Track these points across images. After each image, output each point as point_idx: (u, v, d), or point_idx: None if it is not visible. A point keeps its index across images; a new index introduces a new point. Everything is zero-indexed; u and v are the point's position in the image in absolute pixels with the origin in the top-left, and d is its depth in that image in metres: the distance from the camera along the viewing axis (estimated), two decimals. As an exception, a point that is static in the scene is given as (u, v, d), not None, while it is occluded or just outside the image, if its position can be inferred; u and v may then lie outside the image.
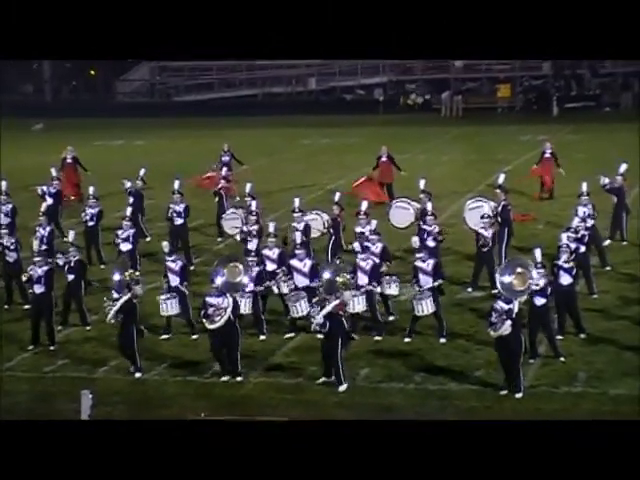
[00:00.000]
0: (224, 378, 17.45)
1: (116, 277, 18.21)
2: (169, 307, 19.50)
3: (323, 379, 17.10)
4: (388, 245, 20.68)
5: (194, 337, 19.47)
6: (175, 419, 15.46)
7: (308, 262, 19.71)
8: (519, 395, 16.29)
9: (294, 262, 19.73)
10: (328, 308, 16.77)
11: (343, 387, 16.88)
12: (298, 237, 20.67)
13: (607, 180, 24.93)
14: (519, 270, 16.76)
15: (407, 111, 57.42)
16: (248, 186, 25.69)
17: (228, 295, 17.44)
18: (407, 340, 19.01)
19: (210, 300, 17.44)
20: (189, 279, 20.30)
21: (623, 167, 25.56)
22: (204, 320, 17.50)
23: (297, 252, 19.80)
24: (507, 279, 16.66)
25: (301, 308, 19.04)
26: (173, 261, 19.90)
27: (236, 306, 17.53)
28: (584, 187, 23.39)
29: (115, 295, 17.90)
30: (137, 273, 18.92)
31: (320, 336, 17.19)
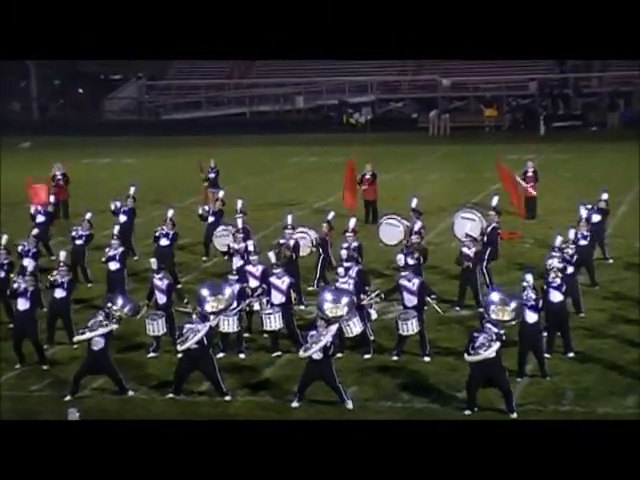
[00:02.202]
0: (170, 395, 17.46)
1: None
2: (155, 327, 19.41)
3: (296, 404, 16.98)
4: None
5: (180, 356, 19.38)
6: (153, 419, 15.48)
7: (286, 280, 19.68)
8: (514, 415, 16.20)
9: (273, 279, 19.69)
10: (328, 337, 16.70)
11: (350, 405, 16.82)
12: (272, 256, 20.54)
13: (589, 205, 24.93)
14: (504, 306, 16.84)
15: (350, 130, 57.01)
16: (239, 203, 25.60)
17: (206, 323, 17.43)
18: (395, 358, 19.00)
19: (188, 325, 17.47)
20: (183, 296, 20.44)
21: (604, 196, 25.56)
22: (177, 341, 17.53)
23: (275, 270, 19.76)
24: (493, 309, 16.77)
25: (275, 322, 19.14)
26: (160, 279, 19.86)
27: (210, 333, 17.45)
28: (585, 213, 23.72)
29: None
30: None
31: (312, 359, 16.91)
